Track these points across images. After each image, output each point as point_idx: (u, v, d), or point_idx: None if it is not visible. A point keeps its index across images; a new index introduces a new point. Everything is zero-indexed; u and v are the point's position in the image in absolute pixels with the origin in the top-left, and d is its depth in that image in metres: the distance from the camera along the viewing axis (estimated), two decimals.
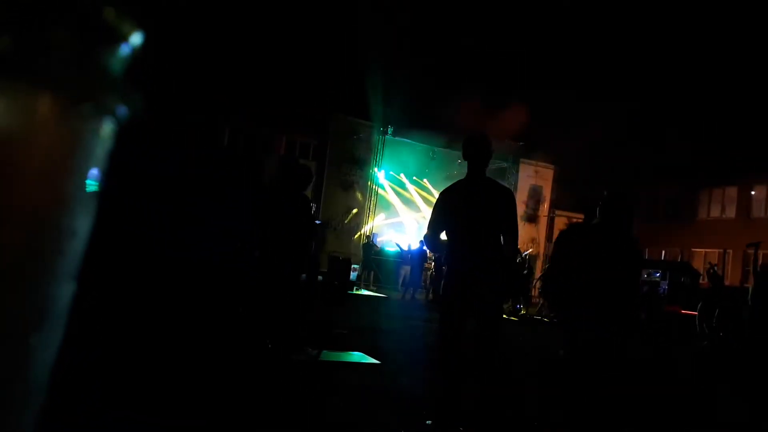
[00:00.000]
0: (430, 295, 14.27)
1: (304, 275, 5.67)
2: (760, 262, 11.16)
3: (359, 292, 6.07)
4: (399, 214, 20.65)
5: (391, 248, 17.60)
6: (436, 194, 19.83)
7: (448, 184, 3.97)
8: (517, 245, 3.86)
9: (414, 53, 16.80)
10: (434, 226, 3.75)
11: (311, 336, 5.59)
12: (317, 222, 5.13)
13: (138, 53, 0.33)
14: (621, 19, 18.08)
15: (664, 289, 15.64)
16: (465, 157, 3.76)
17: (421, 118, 18.03)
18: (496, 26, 17.30)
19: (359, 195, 18.70)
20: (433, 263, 14.60)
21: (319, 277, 6.13)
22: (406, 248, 16.92)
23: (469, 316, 3.63)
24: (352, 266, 6.46)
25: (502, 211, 3.65)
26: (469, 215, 3.60)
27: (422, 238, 3.81)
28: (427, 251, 15.60)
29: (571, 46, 17.92)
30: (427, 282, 14.61)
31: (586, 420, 3.70)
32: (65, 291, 0.37)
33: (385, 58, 16.02)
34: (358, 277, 6.21)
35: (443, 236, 3.80)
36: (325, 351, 5.60)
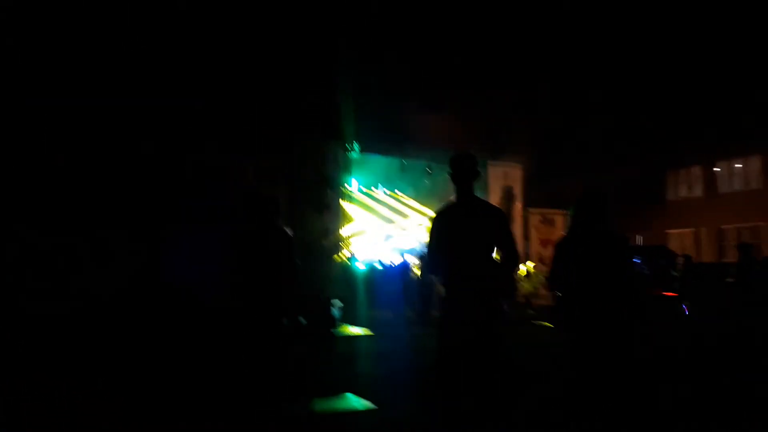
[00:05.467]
0: (416, 311, 14.07)
1: (285, 320, 5.45)
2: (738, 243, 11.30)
3: (345, 332, 5.85)
4: (375, 230, 20.49)
5: (378, 265, 17.47)
6: (412, 206, 19.74)
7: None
8: (518, 264, 3.89)
9: (377, 68, 16.63)
10: (433, 253, 3.83)
11: (298, 382, 5.39)
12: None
13: None
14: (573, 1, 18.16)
15: (645, 272, 15.85)
16: (452, 177, 3.77)
17: (388, 132, 17.89)
18: (453, 30, 17.25)
19: (334, 216, 18.44)
20: (419, 278, 14.44)
21: (302, 320, 5.92)
22: (390, 264, 16.78)
23: (468, 341, 3.59)
24: (331, 301, 6.27)
25: (496, 232, 3.69)
26: (462, 240, 3.66)
27: (424, 262, 3.91)
28: (409, 266, 15.54)
29: (526, 34, 17.88)
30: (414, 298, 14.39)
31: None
32: None
33: (350, 75, 15.86)
34: (341, 309, 6.00)
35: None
36: (315, 399, 5.40)
